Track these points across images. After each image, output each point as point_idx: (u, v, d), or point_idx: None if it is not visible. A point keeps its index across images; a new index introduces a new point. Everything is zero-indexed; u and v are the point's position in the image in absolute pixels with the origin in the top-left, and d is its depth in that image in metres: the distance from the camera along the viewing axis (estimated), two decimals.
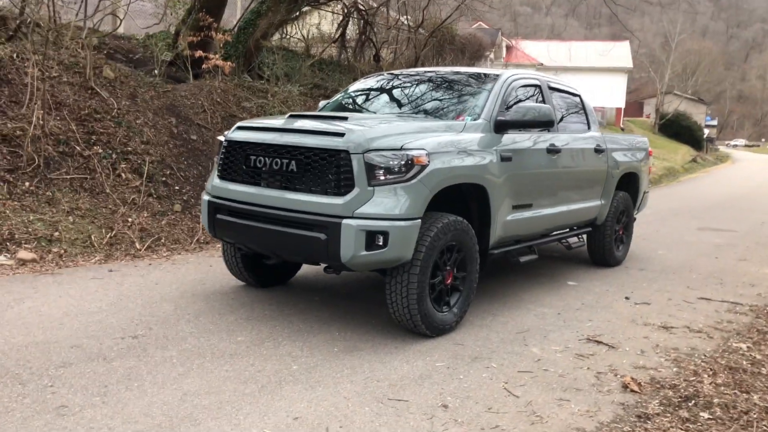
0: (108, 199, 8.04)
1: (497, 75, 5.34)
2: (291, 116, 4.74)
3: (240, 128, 4.64)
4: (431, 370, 3.78)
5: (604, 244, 6.97)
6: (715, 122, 78.97)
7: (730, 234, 10.13)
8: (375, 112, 5.44)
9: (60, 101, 9.62)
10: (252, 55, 13.31)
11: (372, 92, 5.83)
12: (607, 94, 38.98)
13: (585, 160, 6.19)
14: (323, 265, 4.42)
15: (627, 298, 5.85)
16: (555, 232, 6.17)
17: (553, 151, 5.51)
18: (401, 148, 4.03)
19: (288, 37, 17.39)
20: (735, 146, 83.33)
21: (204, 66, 11.89)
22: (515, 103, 5.15)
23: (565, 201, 5.89)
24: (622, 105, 42.10)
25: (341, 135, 4.04)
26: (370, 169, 3.96)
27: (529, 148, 5.18)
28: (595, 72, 39.18)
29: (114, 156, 8.70)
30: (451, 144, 4.37)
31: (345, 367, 3.75)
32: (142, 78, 11.61)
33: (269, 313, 4.66)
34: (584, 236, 6.70)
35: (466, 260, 4.57)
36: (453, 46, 21.15)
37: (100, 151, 8.62)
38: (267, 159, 4.30)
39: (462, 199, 4.81)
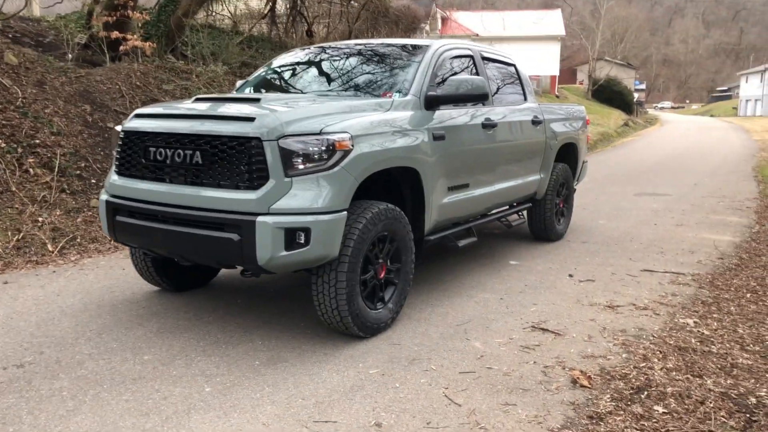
0: (14, 198, 7.26)
1: (426, 46, 4.92)
2: (197, 99, 4.20)
3: (138, 116, 4.08)
4: (364, 380, 3.40)
5: (544, 218, 6.74)
6: (643, 86, 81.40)
7: (666, 198, 10.15)
8: (299, 91, 4.95)
9: None
10: (174, 35, 12.45)
11: (296, 68, 5.33)
12: (542, 62, 39.21)
13: (523, 133, 5.88)
14: (240, 269, 3.95)
15: (570, 275, 5.62)
16: (494, 211, 5.87)
17: (488, 125, 5.16)
18: (320, 132, 3.57)
19: (214, 14, 16.48)
20: (662, 108, 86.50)
21: (122, 48, 11.03)
22: (448, 77, 4.75)
23: (503, 178, 5.57)
24: (557, 73, 42.51)
25: (251, 120, 3.55)
26: (287, 157, 3.49)
27: (463, 125, 4.81)
28: (529, 41, 39.29)
29: (20, 150, 7.88)
30: (378, 124, 3.94)
31: (266, 384, 3.32)
32: (51, 63, 10.66)
33: (184, 323, 4.17)
34: (524, 212, 6.42)
35: (400, 250, 4.19)
36: (387, 18, 20.61)
37: (3, 145, 7.78)
38: (168, 150, 3.77)
39: (392, 184, 4.41)
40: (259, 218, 3.44)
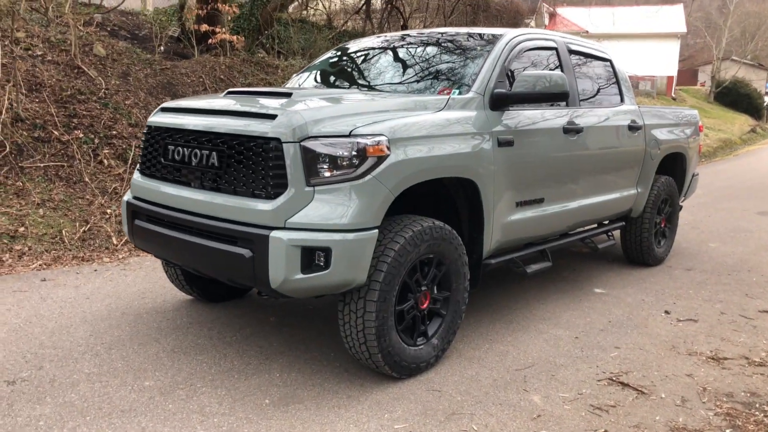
0: (86, 188, 7.25)
1: (499, 35, 4.20)
2: (228, 93, 3.75)
3: (163, 110, 3.68)
4: None
5: (641, 240, 5.80)
6: None
7: None
8: (345, 85, 4.40)
9: (40, 82, 8.88)
10: (264, 29, 12.36)
11: (349, 60, 4.78)
12: (658, 61, 36.50)
13: (616, 139, 5.01)
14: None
15: (667, 312, 4.71)
16: (577, 230, 5.04)
17: (572, 130, 4.36)
18: (350, 134, 2.99)
19: (308, 9, 16.38)
20: None
21: (210, 41, 11.04)
22: (522, 72, 4.02)
23: (589, 192, 4.74)
24: (674, 73, 39.44)
25: (272, 117, 3.03)
26: (310, 162, 2.94)
27: (538, 129, 4.06)
28: (643, 38, 36.75)
29: (96, 141, 7.90)
30: (425, 126, 3.30)
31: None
32: (139, 55, 10.79)
33: (203, 342, 3.73)
34: (613, 233, 5.52)
35: (449, 276, 3.53)
36: (487, 13, 19.76)
37: (81, 135, 7.83)
38: (186, 150, 3.33)
39: (446, 197, 3.76)
40: (274, 233, 2.91)
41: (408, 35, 4.71)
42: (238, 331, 3.93)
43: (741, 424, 3.04)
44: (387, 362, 3.21)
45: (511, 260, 4.12)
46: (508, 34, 4.19)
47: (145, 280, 4.92)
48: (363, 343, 3.16)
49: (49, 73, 9.09)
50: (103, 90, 8.76)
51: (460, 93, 3.75)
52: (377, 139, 3.02)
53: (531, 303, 4.75)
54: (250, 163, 3.04)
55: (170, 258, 3.56)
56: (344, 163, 2.96)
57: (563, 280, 5.40)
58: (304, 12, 15.92)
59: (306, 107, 3.09)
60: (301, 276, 2.91)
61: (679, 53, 40.72)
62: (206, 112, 3.39)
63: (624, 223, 5.60)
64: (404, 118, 3.26)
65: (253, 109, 3.17)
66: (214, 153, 3.17)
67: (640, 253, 5.88)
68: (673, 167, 6.30)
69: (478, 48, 4.09)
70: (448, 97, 3.60)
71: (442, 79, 4.02)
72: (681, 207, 6.63)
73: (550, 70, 4.51)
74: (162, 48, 12.16)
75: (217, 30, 11.04)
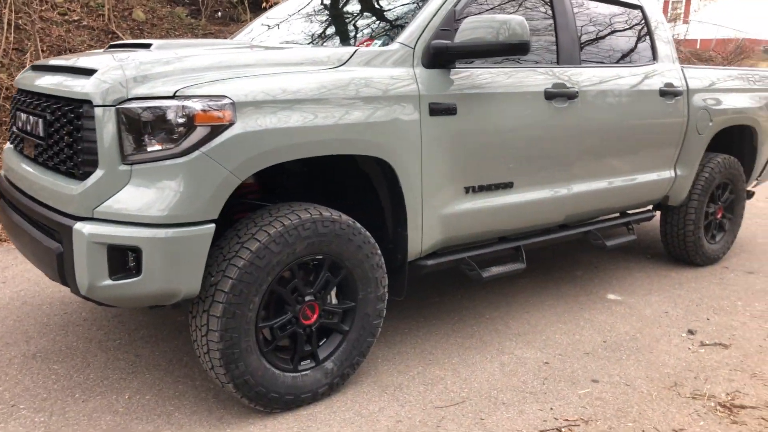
0: None
1: None
2: (110, 47, 3.12)
3: (33, 68, 3.10)
4: None
5: (685, 234, 4.64)
6: None
7: None
8: (248, 44, 3.59)
9: (71, 48, 8.73)
10: None
11: (276, 16, 3.97)
12: None
13: (638, 107, 3.90)
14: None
15: (691, 332, 3.63)
16: (583, 222, 4.02)
17: (560, 95, 3.36)
18: (175, 96, 2.25)
19: None
20: None
21: (264, 5, 10.57)
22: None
23: (592, 175, 3.71)
24: None
25: (90, 73, 2.35)
26: (128, 131, 2.24)
27: (500, 93, 3.10)
28: None
29: None
30: (305, 87, 2.48)
31: None
32: (182, 19, 10.50)
33: (77, 345, 3.16)
34: (634, 226, 4.39)
35: (355, 282, 2.74)
36: None
37: None
38: (24, 116, 2.75)
39: (365, 182, 2.94)
40: (78, 225, 2.25)
41: None
42: (131, 332, 3.34)
43: None
44: (244, 393, 2.49)
45: (461, 261, 3.23)
46: None
47: None
48: (211, 368, 2.46)
49: (82, 38, 8.95)
50: None
51: (383, 43, 2.89)
52: (213, 102, 2.25)
53: (512, 311, 3.83)
54: (64, 134, 2.39)
55: (19, 250, 2.99)
56: (167, 134, 2.23)
57: (571, 281, 4.40)
58: None
59: (137, 61, 2.37)
60: (109, 282, 2.24)
61: None
62: (51, 69, 2.76)
63: (653, 215, 4.46)
64: (272, 75, 2.46)
65: (76, 64, 2.50)
66: (39, 119, 2.56)
67: (684, 251, 4.73)
68: (741, 143, 5.03)
69: None
70: (355, 49, 2.75)
71: (380, 31, 3.15)
72: (752, 194, 5.33)
73: (544, 16, 3.51)
74: (219, 13, 11.85)
75: None
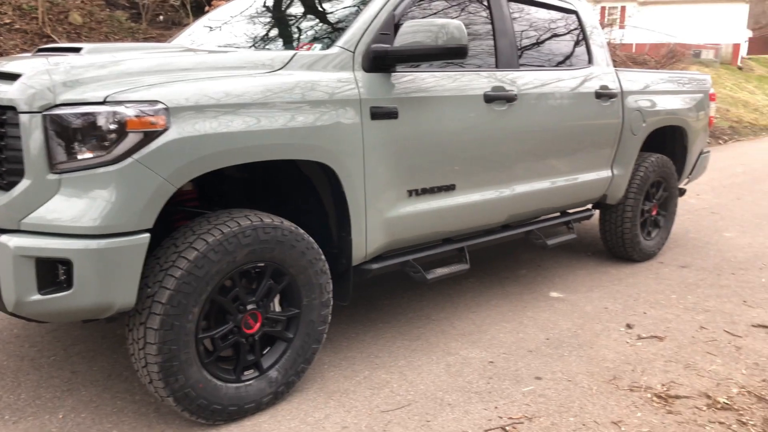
0: None
1: None
2: (38, 51, 2.99)
3: None
4: None
5: (623, 231, 4.79)
6: None
7: None
8: (181, 47, 3.52)
9: (2, 52, 8.38)
10: None
11: (216, 18, 3.92)
12: (722, 28, 33.74)
13: (575, 109, 4.01)
14: None
15: (629, 326, 3.75)
16: (524, 222, 4.10)
17: (499, 98, 3.41)
18: (105, 101, 2.18)
19: None
20: None
21: (207, 9, 10.38)
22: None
23: (532, 176, 3.79)
24: (743, 41, 36.41)
25: (15, 77, 2.26)
26: (56, 139, 2.15)
27: (439, 96, 3.14)
28: (706, 2, 34.11)
29: None
30: (241, 91, 2.45)
31: None
32: (122, 24, 10.20)
33: (7, 364, 3.03)
34: (574, 225, 4.51)
35: (298, 289, 2.71)
36: None
37: None
38: None
39: (307, 186, 2.92)
40: (2, 238, 2.15)
41: None
42: (66, 348, 3.22)
43: None
44: (185, 406, 2.43)
45: (406, 263, 3.24)
46: None
47: None
48: (150, 382, 2.39)
49: (14, 42, 8.60)
50: None
51: (323, 47, 2.88)
52: (146, 107, 2.19)
53: (458, 311, 3.87)
54: None
55: None
56: (97, 141, 2.16)
57: (516, 280, 4.48)
58: None
59: (65, 65, 2.28)
60: (38, 297, 2.14)
61: (754, 20, 37.62)
62: None
63: (592, 213, 4.60)
64: (209, 79, 2.42)
65: (8, 69, 2.39)
66: None
67: (623, 247, 4.89)
68: (672, 143, 5.23)
69: None
70: (294, 53, 2.73)
71: (321, 34, 3.14)
72: (684, 191, 5.55)
73: (484, 21, 3.56)
74: (161, 17, 11.57)
75: None
